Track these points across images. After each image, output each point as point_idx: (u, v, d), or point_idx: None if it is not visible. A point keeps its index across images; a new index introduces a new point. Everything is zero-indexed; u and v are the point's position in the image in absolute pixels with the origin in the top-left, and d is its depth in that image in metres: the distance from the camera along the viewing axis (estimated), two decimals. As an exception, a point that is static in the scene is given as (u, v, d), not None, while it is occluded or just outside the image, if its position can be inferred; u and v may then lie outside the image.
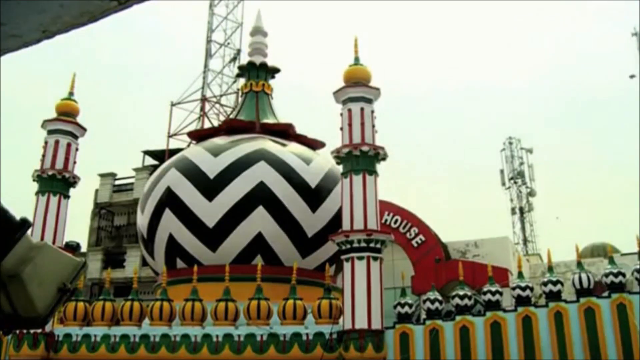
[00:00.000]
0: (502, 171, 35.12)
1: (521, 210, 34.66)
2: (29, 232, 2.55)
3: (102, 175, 27.69)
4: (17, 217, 2.55)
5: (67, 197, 13.05)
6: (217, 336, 11.22)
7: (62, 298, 2.59)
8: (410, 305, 11.10)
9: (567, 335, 10.14)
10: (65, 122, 13.26)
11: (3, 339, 12.30)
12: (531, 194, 34.70)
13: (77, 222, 26.60)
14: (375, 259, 10.90)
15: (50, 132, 13.21)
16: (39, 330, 11.68)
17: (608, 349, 9.92)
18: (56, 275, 2.57)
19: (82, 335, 11.90)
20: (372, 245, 10.90)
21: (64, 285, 2.56)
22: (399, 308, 11.02)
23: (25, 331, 11.68)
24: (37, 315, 2.51)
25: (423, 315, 11.32)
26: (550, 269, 10.99)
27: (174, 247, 13.56)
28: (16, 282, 2.43)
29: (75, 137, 13.45)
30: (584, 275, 10.55)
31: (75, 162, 13.32)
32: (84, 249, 25.16)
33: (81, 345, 11.83)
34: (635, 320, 9.88)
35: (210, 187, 13.34)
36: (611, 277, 10.32)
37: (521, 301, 10.64)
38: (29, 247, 2.50)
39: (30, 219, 2.60)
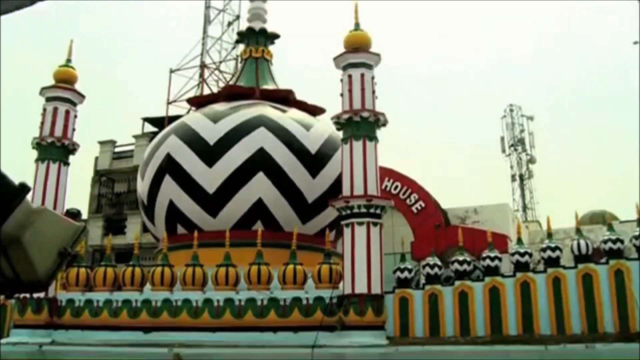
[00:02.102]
0: (502, 138, 35.08)
1: (521, 177, 34.73)
2: (29, 198, 2.54)
3: (101, 143, 27.61)
4: (16, 182, 2.54)
5: (66, 164, 13.04)
6: (217, 301, 11.33)
7: (63, 262, 2.60)
8: (410, 271, 11.16)
9: (565, 300, 10.23)
10: (64, 89, 13.17)
11: (7, 304, 12.44)
12: (531, 161, 34.72)
13: (78, 189, 26.68)
14: (375, 224, 10.93)
15: (48, 100, 13.13)
16: (42, 296, 11.80)
17: (605, 314, 10.02)
18: (56, 239, 2.57)
19: (85, 300, 12.03)
20: (372, 210, 10.92)
21: (64, 249, 2.57)
22: (398, 273, 11.09)
23: (28, 296, 11.80)
24: (38, 279, 2.53)
25: (422, 281, 11.40)
26: (549, 235, 11.02)
27: (174, 213, 13.62)
28: (16, 246, 2.43)
29: (74, 104, 13.38)
30: (582, 242, 10.58)
31: (74, 130, 13.26)
32: (84, 216, 25.26)
33: (84, 310, 11.97)
34: (632, 286, 9.96)
35: (210, 153, 13.34)
36: (609, 244, 10.36)
37: (520, 267, 10.69)
38: (29, 212, 2.50)
39: (30, 186, 2.60)
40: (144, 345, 11.30)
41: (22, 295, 11.85)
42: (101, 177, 27.41)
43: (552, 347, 9.76)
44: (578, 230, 10.95)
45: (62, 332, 11.92)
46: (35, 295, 11.79)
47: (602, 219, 19.02)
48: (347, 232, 11.00)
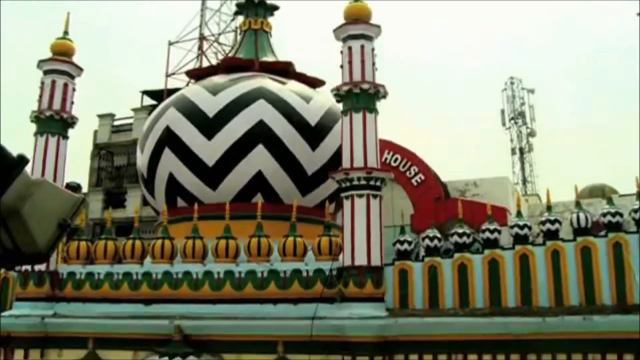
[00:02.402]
0: (502, 111, 35.01)
1: (521, 150, 34.70)
2: (28, 171, 2.53)
3: (100, 116, 27.52)
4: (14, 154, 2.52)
5: (65, 137, 12.98)
6: (218, 273, 11.38)
7: (62, 233, 2.60)
8: (410, 243, 11.17)
9: (564, 273, 10.25)
10: (61, 62, 13.05)
11: (9, 277, 12.52)
12: (531, 134, 34.67)
13: (77, 163, 26.64)
14: (375, 196, 10.91)
15: (46, 73, 13.01)
16: (44, 269, 11.87)
17: (602, 286, 10.06)
18: (56, 211, 2.57)
19: (86, 273, 12.08)
20: (372, 183, 10.90)
21: (63, 220, 2.57)
22: (398, 245, 11.10)
23: (30, 269, 11.86)
24: (38, 251, 2.53)
25: (422, 253, 11.43)
26: (548, 208, 11.02)
27: (174, 186, 13.62)
28: (16, 218, 2.43)
29: (72, 77, 13.27)
30: (582, 215, 10.55)
31: (72, 103, 13.17)
32: (84, 189, 25.28)
33: (85, 282, 12.03)
34: (631, 259, 9.99)
35: (209, 125, 13.29)
36: (609, 217, 10.34)
37: (519, 240, 10.70)
38: (28, 183, 2.49)
39: (29, 158, 2.58)
40: (144, 318, 11.39)
41: (23, 269, 11.90)
42: (100, 151, 27.37)
43: (550, 319, 9.83)
44: (577, 204, 10.93)
45: (63, 305, 11.99)
46: (37, 268, 11.84)
47: (602, 192, 18.98)
48: (346, 204, 10.99)
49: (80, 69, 13.38)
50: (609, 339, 9.65)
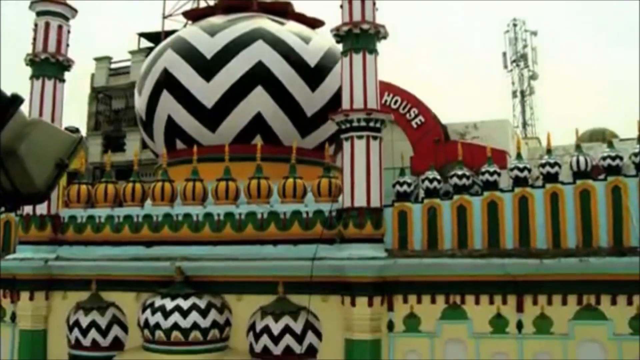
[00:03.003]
0: (504, 54, 34.61)
1: (522, 93, 34.45)
2: (25, 112, 2.50)
3: (97, 59, 27.22)
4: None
5: (62, 81, 12.79)
6: (218, 215, 11.42)
7: (61, 173, 2.58)
8: (409, 185, 11.16)
9: (562, 216, 10.29)
10: (55, 3, 12.75)
11: (11, 221, 12.59)
12: (533, 77, 34.35)
13: (75, 107, 26.49)
14: (374, 138, 10.85)
15: (39, 14, 12.72)
16: (45, 212, 11.92)
17: (600, 229, 10.13)
18: (53, 151, 2.54)
19: (87, 216, 12.12)
20: (371, 124, 10.82)
21: (61, 160, 2.55)
22: (397, 187, 11.11)
23: (32, 213, 11.91)
24: (36, 190, 2.51)
25: (421, 195, 11.45)
26: (548, 151, 10.98)
27: (173, 129, 13.56)
28: (13, 158, 2.41)
29: (67, 18, 12.99)
30: (581, 158, 10.51)
31: (68, 45, 12.94)
32: (83, 133, 25.21)
33: (86, 226, 12.08)
34: (629, 203, 10.03)
35: (207, 67, 13.14)
36: (608, 161, 10.32)
37: (519, 182, 10.71)
38: (24, 123, 2.46)
39: (24, 97, 2.54)
40: (145, 260, 11.49)
41: (25, 212, 11.96)
42: (98, 94, 27.18)
43: (547, 261, 9.92)
44: (578, 147, 10.89)
45: (66, 248, 12.09)
46: (38, 212, 11.91)
47: (602, 136, 18.98)
48: (346, 145, 10.95)
49: (75, 10, 13.09)
50: (604, 281, 9.77)
